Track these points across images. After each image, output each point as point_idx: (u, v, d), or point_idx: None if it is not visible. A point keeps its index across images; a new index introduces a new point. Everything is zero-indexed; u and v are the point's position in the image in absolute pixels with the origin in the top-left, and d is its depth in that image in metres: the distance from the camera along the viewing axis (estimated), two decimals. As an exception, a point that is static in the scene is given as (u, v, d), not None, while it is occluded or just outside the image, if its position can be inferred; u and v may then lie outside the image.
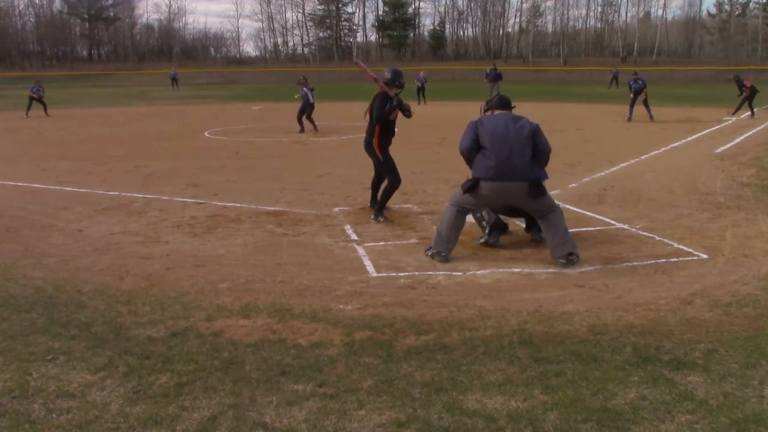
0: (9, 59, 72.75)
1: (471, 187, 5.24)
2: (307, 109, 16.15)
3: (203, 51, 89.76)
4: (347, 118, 19.08)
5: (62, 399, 2.96)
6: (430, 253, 5.32)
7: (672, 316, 3.91)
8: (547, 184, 5.46)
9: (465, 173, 8.84)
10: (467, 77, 56.74)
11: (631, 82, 18.46)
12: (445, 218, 5.38)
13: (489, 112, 5.56)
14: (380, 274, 4.90)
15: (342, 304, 4.22)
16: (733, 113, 18.82)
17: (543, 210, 5.27)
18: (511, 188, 5.18)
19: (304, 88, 16.07)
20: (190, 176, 9.58)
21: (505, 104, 5.53)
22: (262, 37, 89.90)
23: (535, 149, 5.21)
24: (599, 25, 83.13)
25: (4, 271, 4.99)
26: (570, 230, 6.10)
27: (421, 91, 26.50)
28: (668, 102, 19.61)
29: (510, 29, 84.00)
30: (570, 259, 5.05)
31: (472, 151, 5.26)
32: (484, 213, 5.78)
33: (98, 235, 6.17)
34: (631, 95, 18.43)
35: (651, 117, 17.97)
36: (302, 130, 16.02)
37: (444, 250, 5.27)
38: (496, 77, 27.95)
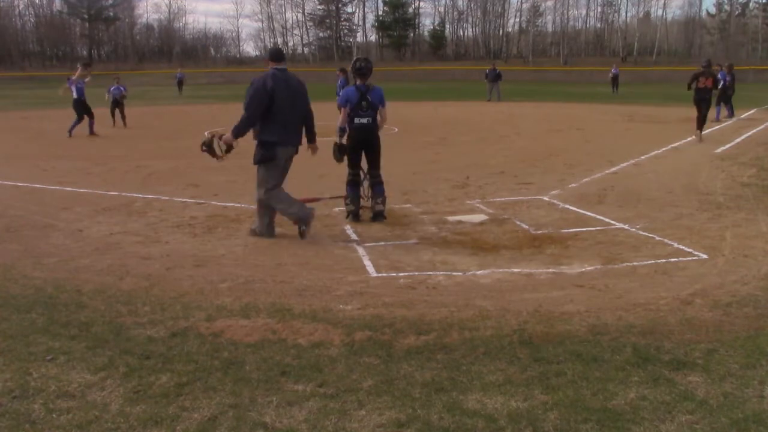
0: (9, 59, 72.75)
1: (269, 154, 5.68)
2: None
3: (203, 51, 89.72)
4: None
5: (62, 399, 2.96)
6: (258, 231, 5.81)
7: (672, 316, 3.91)
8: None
9: (464, 172, 8.81)
10: (467, 77, 56.69)
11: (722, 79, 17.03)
12: (283, 204, 5.81)
13: (272, 65, 5.57)
14: (380, 274, 4.90)
15: (342, 304, 4.22)
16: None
17: None
18: (291, 153, 5.75)
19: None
20: (190, 176, 9.58)
21: (282, 56, 5.63)
22: (262, 37, 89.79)
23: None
24: (599, 25, 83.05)
25: (4, 271, 4.99)
26: (570, 230, 6.15)
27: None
28: (668, 102, 19.58)
29: (510, 29, 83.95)
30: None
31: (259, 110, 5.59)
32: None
33: (98, 235, 6.17)
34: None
35: (718, 117, 17.10)
36: None
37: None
38: (496, 77, 27.94)
